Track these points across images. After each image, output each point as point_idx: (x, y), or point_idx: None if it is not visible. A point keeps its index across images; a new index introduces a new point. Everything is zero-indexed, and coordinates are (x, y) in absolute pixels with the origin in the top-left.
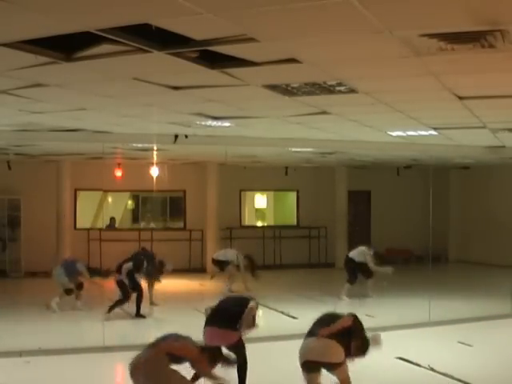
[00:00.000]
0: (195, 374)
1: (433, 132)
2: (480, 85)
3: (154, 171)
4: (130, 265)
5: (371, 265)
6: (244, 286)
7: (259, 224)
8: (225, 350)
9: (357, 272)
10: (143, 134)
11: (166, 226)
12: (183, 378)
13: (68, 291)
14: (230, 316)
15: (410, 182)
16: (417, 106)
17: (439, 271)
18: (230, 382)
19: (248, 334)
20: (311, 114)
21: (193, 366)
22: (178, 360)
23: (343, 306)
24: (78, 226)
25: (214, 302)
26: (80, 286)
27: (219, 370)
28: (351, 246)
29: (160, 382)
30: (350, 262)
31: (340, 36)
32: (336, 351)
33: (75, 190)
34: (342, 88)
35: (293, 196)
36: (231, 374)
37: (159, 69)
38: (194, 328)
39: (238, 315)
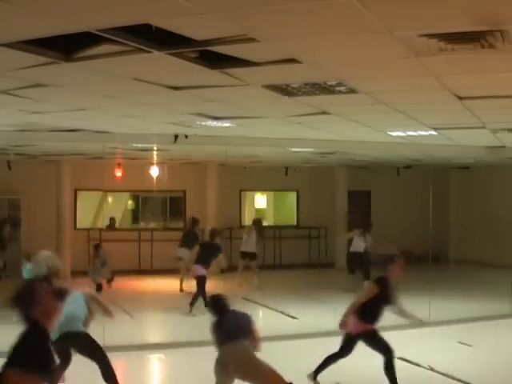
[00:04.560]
0: None
1: (433, 132)
2: (480, 85)
3: (154, 171)
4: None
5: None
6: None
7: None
8: None
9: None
10: (143, 134)
11: (166, 226)
12: None
13: None
14: None
15: (410, 181)
16: (417, 106)
17: (439, 271)
18: None
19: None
20: (311, 114)
21: None
22: None
23: (343, 307)
24: (78, 226)
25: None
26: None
27: None
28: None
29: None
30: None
31: (340, 36)
32: None
33: (75, 190)
34: (342, 88)
35: (293, 196)
36: None
37: (159, 69)
38: (194, 328)
39: None
